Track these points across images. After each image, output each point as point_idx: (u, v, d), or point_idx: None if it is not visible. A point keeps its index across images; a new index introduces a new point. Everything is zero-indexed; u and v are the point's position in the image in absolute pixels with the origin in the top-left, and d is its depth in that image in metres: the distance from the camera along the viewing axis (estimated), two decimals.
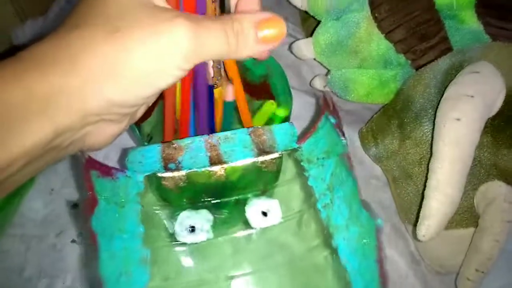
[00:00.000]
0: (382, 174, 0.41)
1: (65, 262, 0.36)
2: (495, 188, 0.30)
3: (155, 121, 0.34)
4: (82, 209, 0.37)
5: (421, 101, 0.33)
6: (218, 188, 0.25)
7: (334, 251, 0.23)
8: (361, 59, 0.38)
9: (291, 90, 0.32)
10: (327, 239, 0.24)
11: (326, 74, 0.43)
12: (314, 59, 0.42)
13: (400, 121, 0.35)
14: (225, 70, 0.28)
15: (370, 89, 0.39)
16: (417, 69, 0.38)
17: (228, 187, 0.26)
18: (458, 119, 0.27)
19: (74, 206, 0.39)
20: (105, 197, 0.21)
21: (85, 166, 0.21)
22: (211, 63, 0.26)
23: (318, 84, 0.43)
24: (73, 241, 0.37)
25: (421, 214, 0.28)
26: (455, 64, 0.31)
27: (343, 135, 0.26)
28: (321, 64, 0.42)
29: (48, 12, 0.56)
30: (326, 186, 0.24)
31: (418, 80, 0.35)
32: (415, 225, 0.30)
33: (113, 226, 0.21)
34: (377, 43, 0.38)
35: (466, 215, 0.32)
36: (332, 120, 0.25)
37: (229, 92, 0.28)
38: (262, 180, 0.26)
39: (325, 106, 0.26)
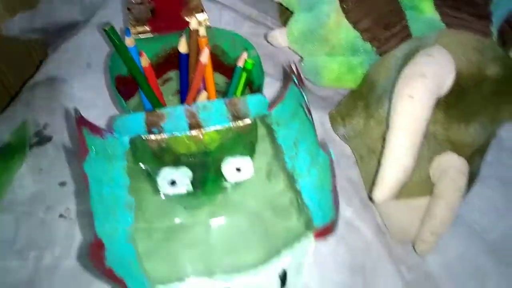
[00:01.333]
0: (351, 154, 0.44)
1: (53, 236, 0.38)
2: (448, 159, 0.34)
3: (139, 100, 0.37)
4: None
5: (383, 84, 0.37)
6: (199, 153, 0.28)
7: (298, 193, 0.27)
8: (331, 46, 0.42)
9: (269, 77, 0.35)
10: (292, 184, 0.27)
11: (300, 61, 0.46)
12: (289, 47, 0.45)
13: (365, 102, 0.38)
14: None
15: (339, 75, 0.43)
16: (381, 55, 0.41)
17: (206, 155, 0.29)
18: (411, 96, 0.30)
19: (61, 184, 0.41)
20: (95, 151, 0.24)
21: (78, 122, 0.24)
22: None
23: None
24: (61, 215, 0.39)
25: (376, 180, 0.31)
26: (413, 49, 0.35)
27: (304, 90, 0.28)
28: (296, 53, 0.46)
29: (37, 5, 0.58)
30: (292, 143, 0.27)
31: (381, 65, 0.38)
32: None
33: (102, 174, 0.24)
34: (345, 32, 0.41)
35: (423, 185, 0.35)
36: (296, 80, 0.28)
37: (204, 55, 0.31)
38: (238, 148, 0.29)
39: (291, 72, 0.28)
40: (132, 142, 0.26)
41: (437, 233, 0.33)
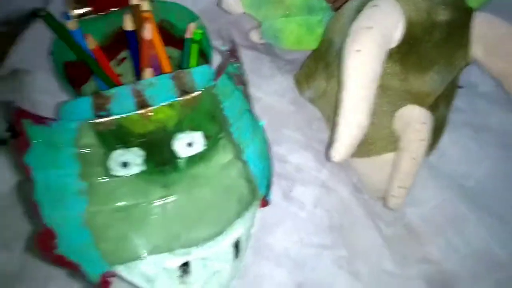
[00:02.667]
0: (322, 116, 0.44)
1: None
2: (410, 111, 0.33)
3: (95, 86, 0.37)
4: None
5: (339, 41, 0.36)
6: (149, 130, 0.28)
7: (245, 163, 0.27)
8: (286, 7, 0.41)
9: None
10: (238, 154, 0.27)
11: (258, 27, 0.45)
12: (244, 13, 0.44)
13: (325, 62, 0.38)
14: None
15: (299, 36, 0.42)
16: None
17: (159, 129, 0.28)
18: (359, 50, 0.29)
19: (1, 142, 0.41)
20: (38, 141, 0.24)
21: (16, 115, 0.23)
22: None
23: (255, 37, 0.45)
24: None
25: (332, 139, 0.31)
26: (364, 1, 0.33)
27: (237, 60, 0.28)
28: (253, 18, 0.44)
29: None
30: (237, 112, 0.27)
31: (335, 21, 0.37)
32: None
33: (48, 164, 0.24)
34: None
35: (389, 140, 0.35)
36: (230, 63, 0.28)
37: (147, 31, 0.30)
38: (201, 119, 0.29)
39: (232, 49, 0.28)
40: (81, 127, 0.26)
41: (404, 186, 0.33)
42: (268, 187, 0.28)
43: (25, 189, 0.36)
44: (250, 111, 0.28)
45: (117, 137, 0.27)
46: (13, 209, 0.39)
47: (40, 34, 0.51)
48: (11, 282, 0.35)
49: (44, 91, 0.46)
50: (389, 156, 0.36)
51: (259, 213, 0.29)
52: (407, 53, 0.32)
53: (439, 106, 0.35)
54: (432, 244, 0.39)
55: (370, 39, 0.29)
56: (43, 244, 0.22)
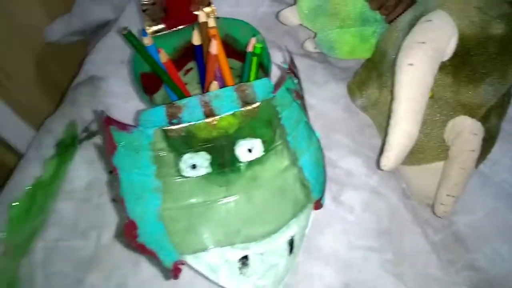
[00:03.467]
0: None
1: (108, 217, 0.43)
2: (461, 122, 0.34)
3: (164, 93, 0.41)
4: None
5: (392, 53, 0.37)
6: (213, 136, 0.31)
7: (300, 169, 0.29)
8: (341, 19, 0.42)
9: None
10: (294, 161, 0.30)
11: (314, 37, 0.47)
12: (301, 25, 0.46)
13: (378, 72, 0.39)
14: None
15: (353, 46, 0.43)
16: (390, 23, 0.41)
17: (221, 135, 0.32)
18: (411, 64, 0.31)
19: (110, 172, 0.46)
20: (122, 145, 0.28)
21: (105, 122, 0.28)
22: None
23: (310, 46, 0.48)
24: (113, 200, 0.44)
25: (384, 148, 0.32)
26: (417, 15, 0.35)
27: (295, 75, 0.31)
28: (309, 29, 0.47)
29: (72, 9, 0.63)
30: (293, 122, 0.30)
31: (389, 33, 0.38)
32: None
33: (131, 165, 0.28)
34: (353, 3, 0.41)
35: (439, 149, 0.36)
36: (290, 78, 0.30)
37: (213, 46, 0.33)
38: (258, 128, 0.32)
39: (291, 66, 0.31)
40: (156, 133, 0.29)
41: (453, 194, 0.34)
42: (321, 191, 0.30)
43: (113, 186, 0.40)
44: (306, 122, 0.30)
45: (186, 142, 0.31)
46: (88, 202, 0.44)
47: (112, 44, 0.57)
48: (84, 267, 0.40)
49: (116, 96, 0.51)
50: (439, 165, 0.37)
51: (312, 215, 0.32)
52: (460, 66, 0.33)
53: (491, 117, 0.35)
54: (479, 252, 0.39)
55: (423, 54, 0.31)
56: (128, 233, 0.26)
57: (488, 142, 0.36)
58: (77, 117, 0.50)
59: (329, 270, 0.38)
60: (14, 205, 0.43)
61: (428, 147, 0.36)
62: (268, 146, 0.30)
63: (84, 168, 0.47)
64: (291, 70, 0.30)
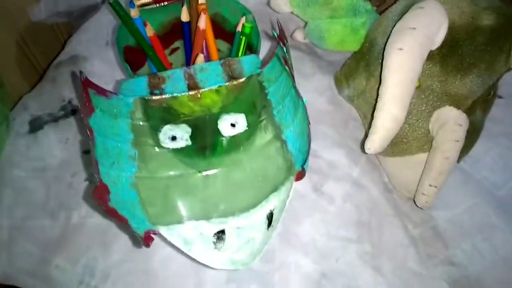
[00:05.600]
0: (358, 116, 0.45)
1: (80, 198, 0.42)
2: (446, 112, 0.34)
3: (149, 69, 0.40)
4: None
5: (381, 42, 0.37)
6: (196, 114, 0.31)
7: (283, 142, 0.29)
8: (332, 9, 0.42)
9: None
10: (278, 135, 0.29)
11: (304, 26, 0.47)
12: (292, 12, 0.46)
13: (366, 62, 0.39)
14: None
15: (342, 37, 0.43)
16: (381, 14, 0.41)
17: (202, 112, 0.31)
18: (401, 49, 0.31)
19: (85, 152, 0.45)
20: (100, 109, 0.27)
21: (83, 83, 0.26)
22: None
23: (299, 36, 0.47)
24: (86, 179, 0.43)
25: (369, 131, 0.32)
26: (409, 4, 0.35)
27: (284, 44, 0.30)
28: (300, 17, 0.47)
29: None
30: (279, 97, 0.29)
31: (379, 23, 0.38)
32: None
33: (107, 129, 0.27)
34: None
35: (424, 140, 0.36)
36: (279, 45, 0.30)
37: (201, 21, 0.33)
38: (240, 107, 0.31)
39: (280, 34, 0.30)
40: (137, 102, 0.28)
41: (435, 185, 0.34)
42: (304, 161, 0.29)
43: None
44: (293, 94, 0.30)
45: (166, 115, 0.30)
46: (59, 181, 0.43)
47: (98, 26, 0.55)
48: (51, 248, 0.39)
49: (99, 77, 0.50)
50: (422, 157, 0.37)
51: (294, 185, 0.31)
52: (448, 55, 0.33)
53: (476, 110, 0.36)
54: (458, 248, 0.39)
55: (413, 39, 0.31)
56: (100, 196, 0.25)
57: (471, 135, 0.36)
58: (56, 95, 0.49)
59: (306, 259, 0.38)
60: None
61: (413, 138, 0.36)
62: (252, 121, 0.29)
63: (59, 147, 0.45)
64: (280, 38, 0.29)
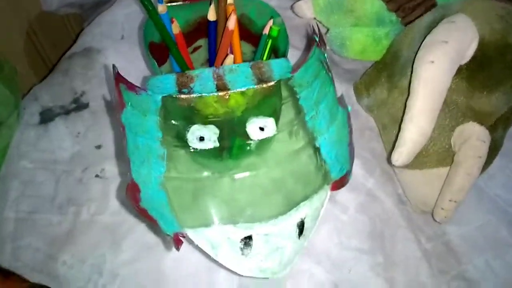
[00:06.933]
0: (375, 126, 0.45)
1: (90, 193, 0.41)
2: (470, 128, 0.34)
3: (170, 66, 0.39)
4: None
5: (407, 54, 0.37)
6: (218, 114, 0.30)
7: (317, 149, 0.28)
8: (356, 17, 0.42)
9: (297, 50, 0.35)
10: (311, 141, 0.28)
11: (326, 33, 0.47)
12: (314, 18, 0.45)
13: (389, 72, 0.39)
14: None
15: (364, 46, 0.43)
16: (406, 26, 0.41)
17: (231, 120, 0.30)
18: (432, 62, 0.31)
19: (97, 147, 0.44)
20: (131, 104, 0.26)
21: (116, 78, 0.26)
22: None
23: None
24: (97, 176, 0.42)
25: (396, 143, 0.32)
26: (437, 18, 0.35)
27: (325, 47, 0.30)
28: (321, 24, 0.46)
29: None
30: (313, 103, 0.29)
31: (405, 35, 0.38)
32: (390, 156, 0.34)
33: (137, 126, 0.26)
34: (370, 3, 0.41)
35: (444, 154, 0.36)
36: (318, 41, 0.29)
37: (231, 21, 0.32)
38: (264, 110, 0.31)
39: (313, 33, 0.30)
40: (165, 100, 0.28)
41: (455, 200, 0.34)
42: (342, 170, 0.29)
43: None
44: (330, 98, 0.29)
45: (190, 113, 0.30)
46: (69, 175, 0.42)
47: (113, 19, 0.55)
48: (59, 244, 0.38)
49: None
50: (441, 171, 0.36)
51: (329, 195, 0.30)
52: (476, 71, 0.33)
53: (498, 127, 0.36)
54: (470, 264, 0.39)
55: (444, 52, 0.30)
56: (132, 195, 0.24)
57: (491, 152, 0.36)
58: (67, 87, 0.48)
59: (319, 268, 0.37)
60: None
61: (433, 151, 0.36)
62: (284, 126, 0.28)
63: (70, 140, 0.45)
64: (321, 41, 0.29)
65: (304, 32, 0.51)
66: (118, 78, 0.26)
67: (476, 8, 0.33)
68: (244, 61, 0.39)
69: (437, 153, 0.36)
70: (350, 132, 0.29)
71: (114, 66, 0.26)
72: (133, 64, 0.49)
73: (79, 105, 0.47)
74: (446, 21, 0.32)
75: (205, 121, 0.29)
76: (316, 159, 0.29)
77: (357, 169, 0.43)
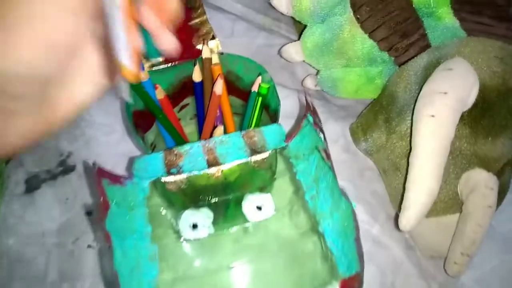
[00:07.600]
0: (375, 166, 0.43)
1: (83, 267, 0.39)
2: (476, 175, 0.32)
3: (157, 130, 0.37)
4: (96, 214, 0.40)
5: (404, 97, 0.35)
6: (218, 187, 0.28)
7: (321, 236, 0.26)
8: (347, 59, 0.41)
9: (286, 89, 0.33)
10: (314, 226, 0.26)
11: (316, 74, 0.45)
12: (303, 61, 0.44)
13: (386, 116, 0.37)
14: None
15: (358, 86, 0.41)
16: (400, 65, 0.40)
17: (226, 186, 0.28)
18: (433, 116, 0.29)
19: (88, 213, 0.42)
20: (116, 202, 0.24)
21: (97, 175, 0.24)
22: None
23: (310, 83, 0.45)
24: (89, 246, 0.40)
25: (402, 206, 0.30)
26: (433, 60, 0.33)
27: (322, 132, 0.28)
28: (311, 66, 0.45)
29: None
30: (312, 179, 0.27)
31: (400, 76, 0.37)
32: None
33: (124, 227, 0.24)
34: (361, 43, 0.40)
35: (451, 202, 0.34)
36: (311, 120, 0.28)
37: (218, 86, 0.30)
38: (258, 178, 0.29)
39: (307, 108, 0.28)
40: (152, 185, 0.26)
41: (468, 253, 0.32)
42: (352, 268, 0.26)
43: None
44: (331, 182, 0.27)
45: (187, 195, 0.28)
46: (59, 248, 0.40)
47: None
48: None
49: (98, 128, 0.47)
50: (448, 218, 0.35)
51: None
52: (479, 117, 0.31)
53: (505, 171, 0.34)
54: None
55: (445, 104, 0.29)
56: None
57: (499, 196, 0.34)
58: (53, 148, 0.46)
59: None
60: None
61: (439, 200, 0.34)
62: (279, 204, 0.26)
63: (57, 208, 0.42)
64: (316, 122, 0.27)
65: (294, 71, 0.50)
66: (100, 173, 0.24)
67: (474, 50, 0.32)
68: (235, 114, 0.37)
69: (443, 202, 0.34)
70: (357, 229, 0.27)
71: (94, 163, 0.24)
72: (119, 120, 0.47)
73: (65, 168, 0.45)
74: (443, 67, 0.31)
75: (197, 199, 0.28)
76: (321, 247, 0.26)
77: (361, 215, 0.41)
